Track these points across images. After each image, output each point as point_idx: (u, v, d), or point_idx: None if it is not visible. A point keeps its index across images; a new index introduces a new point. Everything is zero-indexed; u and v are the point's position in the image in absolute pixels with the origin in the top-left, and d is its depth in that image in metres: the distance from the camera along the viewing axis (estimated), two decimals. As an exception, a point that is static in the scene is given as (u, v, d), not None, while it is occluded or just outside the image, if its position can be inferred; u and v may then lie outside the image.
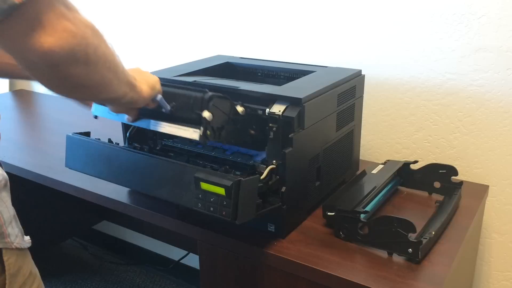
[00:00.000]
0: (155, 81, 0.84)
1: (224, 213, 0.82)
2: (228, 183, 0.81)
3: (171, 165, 0.90)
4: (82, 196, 1.20)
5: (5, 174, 0.79)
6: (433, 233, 0.93)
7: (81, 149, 1.04)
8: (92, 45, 0.60)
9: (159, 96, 0.85)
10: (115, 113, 0.89)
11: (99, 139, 1.04)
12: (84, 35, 0.58)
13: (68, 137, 1.07)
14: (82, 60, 0.59)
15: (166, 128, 0.89)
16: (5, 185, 0.78)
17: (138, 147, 1.02)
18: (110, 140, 1.03)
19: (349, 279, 0.85)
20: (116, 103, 0.82)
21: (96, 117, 0.98)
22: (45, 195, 1.79)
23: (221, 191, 0.81)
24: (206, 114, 0.84)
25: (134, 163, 0.96)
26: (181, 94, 0.87)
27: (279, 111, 0.93)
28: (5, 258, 0.74)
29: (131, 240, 2.18)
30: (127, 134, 1.11)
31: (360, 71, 1.18)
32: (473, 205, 1.10)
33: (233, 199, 0.80)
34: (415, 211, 1.08)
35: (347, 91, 1.11)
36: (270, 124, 0.93)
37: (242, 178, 0.81)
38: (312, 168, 1.02)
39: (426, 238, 0.90)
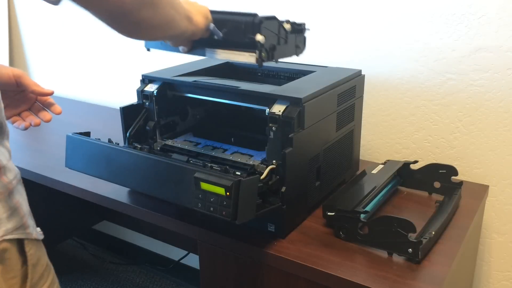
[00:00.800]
0: (206, 10, 0.87)
1: (224, 213, 0.82)
2: (228, 183, 0.81)
3: (171, 165, 0.90)
4: (82, 196, 1.20)
5: (17, 168, 0.80)
6: (433, 233, 0.93)
7: (81, 149, 1.04)
8: None
9: (212, 25, 0.88)
10: (169, 46, 0.93)
11: (99, 139, 1.04)
12: None
13: (68, 137, 1.07)
14: (148, 2, 0.66)
15: (222, 54, 0.92)
16: (20, 178, 0.78)
17: (138, 147, 1.02)
18: (110, 140, 1.03)
19: (349, 279, 0.85)
20: (179, 39, 0.87)
21: (148, 49, 0.99)
22: (45, 195, 1.79)
23: (221, 191, 0.81)
24: (259, 37, 0.87)
25: (134, 163, 0.96)
26: (231, 20, 0.89)
27: (279, 111, 0.93)
28: (27, 249, 0.75)
29: (131, 240, 2.18)
30: (127, 134, 1.11)
31: (360, 71, 1.18)
32: (473, 205, 1.10)
33: (233, 199, 0.80)
34: (415, 211, 1.08)
35: (347, 91, 1.11)
36: (270, 124, 0.93)
37: (242, 178, 0.81)
38: (312, 168, 1.02)
39: (426, 238, 0.90)
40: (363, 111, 1.24)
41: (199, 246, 1.04)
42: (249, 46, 0.88)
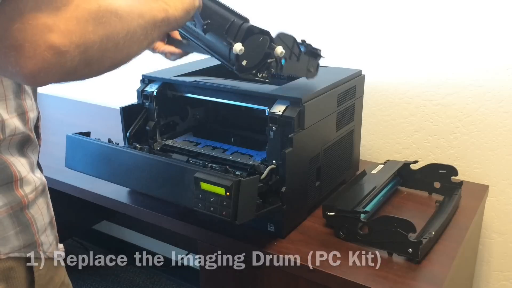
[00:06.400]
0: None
1: (224, 213, 0.82)
2: (228, 183, 0.81)
3: (171, 165, 0.90)
4: (82, 196, 1.20)
5: (44, 178, 0.75)
6: (433, 233, 0.93)
7: (81, 149, 1.04)
8: (93, 43, 0.50)
9: (197, 13, 0.76)
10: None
11: (99, 139, 1.04)
12: (79, 42, 0.48)
13: (68, 137, 1.07)
14: (81, 68, 0.51)
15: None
16: (43, 190, 0.73)
17: (138, 147, 1.02)
18: (110, 140, 1.03)
19: (349, 279, 0.85)
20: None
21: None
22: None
23: (221, 191, 0.81)
24: (237, 47, 0.77)
25: (134, 163, 0.96)
26: (220, 14, 0.79)
27: (279, 111, 0.93)
28: (35, 269, 0.70)
29: (131, 240, 2.18)
30: (127, 134, 1.11)
31: (360, 71, 1.18)
32: (473, 205, 1.10)
33: (233, 199, 0.80)
34: (415, 211, 1.08)
35: (347, 91, 1.11)
36: (270, 124, 0.93)
37: (242, 178, 0.81)
38: (312, 168, 1.02)
39: (426, 238, 0.90)
40: (363, 111, 1.24)
41: (199, 246, 1.04)
42: (223, 50, 0.79)
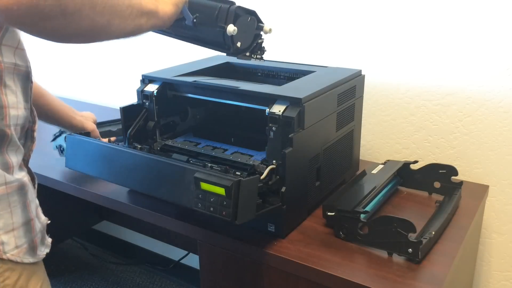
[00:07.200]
0: None
1: (224, 213, 0.82)
2: (228, 183, 0.81)
3: (171, 165, 0.90)
4: (82, 196, 1.20)
5: (26, 179, 0.72)
6: (433, 233, 0.93)
7: (81, 149, 1.04)
8: None
9: (185, 7, 0.82)
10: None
11: (99, 139, 1.04)
12: None
13: (68, 137, 1.07)
14: (55, 14, 0.51)
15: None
16: (20, 189, 0.70)
17: (138, 147, 1.02)
18: (110, 140, 1.03)
19: (349, 279, 0.85)
20: (135, 35, 0.74)
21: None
22: (45, 195, 1.79)
23: (221, 191, 0.81)
24: (231, 28, 0.81)
25: (134, 163, 0.96)
26: (206, 4, 0.84)
27: (279, 111, 0.93)
28: (0, 279, 0.65)
29: (131, 240, 2.18)
30: (127, 134, 1.11)
31: (360, 71, 1.18)
32: (473, 205, 1.10)
33: (233, 199, 0.80)
34: (415, 211, 1.08)
35: (347, 91, 1.11)
36: (270, 124, 0.94)
37: (242, 178, 0.81)
38: (312, 168, 1.02)
39: (426, 238, 0.90)
40: (363, 111, 1.24)
41: (199, 246, 1.04)
42: (218, 35, 0.83)
